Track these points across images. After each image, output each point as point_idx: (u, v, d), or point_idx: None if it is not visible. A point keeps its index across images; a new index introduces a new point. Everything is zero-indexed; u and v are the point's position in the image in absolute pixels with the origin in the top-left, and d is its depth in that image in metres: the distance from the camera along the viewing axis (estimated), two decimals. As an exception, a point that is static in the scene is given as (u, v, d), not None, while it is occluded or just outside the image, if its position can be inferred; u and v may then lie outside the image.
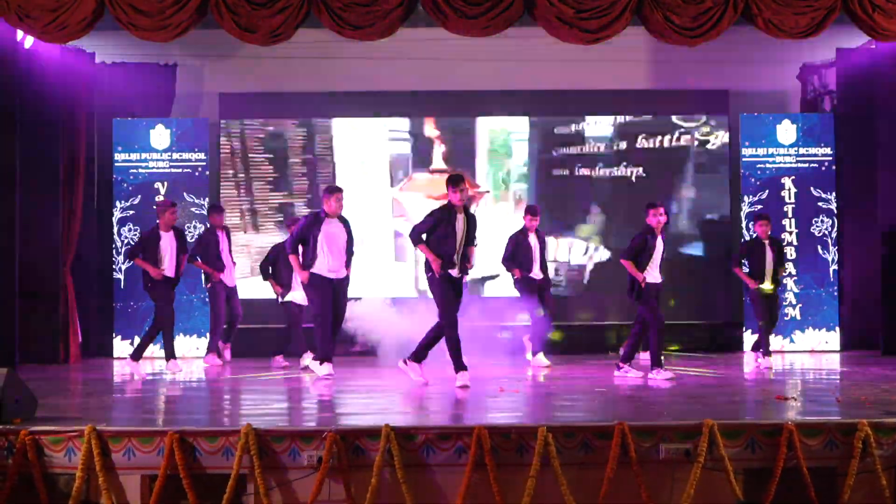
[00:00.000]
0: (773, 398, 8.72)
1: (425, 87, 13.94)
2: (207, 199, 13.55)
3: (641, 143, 14.05)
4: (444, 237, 9.59)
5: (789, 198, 13.61)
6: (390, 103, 14.08)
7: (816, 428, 7.05)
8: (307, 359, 11.64)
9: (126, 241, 13.42)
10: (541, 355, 11.82)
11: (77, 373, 11.58)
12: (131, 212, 13.50)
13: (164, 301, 11.16)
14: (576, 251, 13.95)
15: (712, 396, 8.94)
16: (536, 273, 11.94)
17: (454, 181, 9.64)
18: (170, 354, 11.27)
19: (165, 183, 13.56)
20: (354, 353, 12.84)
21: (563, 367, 11.60)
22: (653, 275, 10.35)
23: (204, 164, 13.61)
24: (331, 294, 10.25)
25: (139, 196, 13.51)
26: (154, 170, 13.59)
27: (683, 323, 13.55)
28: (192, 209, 13.51)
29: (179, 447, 6.84)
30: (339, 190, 10.53)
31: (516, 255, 11.99)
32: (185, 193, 13.51)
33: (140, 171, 13.58)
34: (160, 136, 13.59)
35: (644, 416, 7.70)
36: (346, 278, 10.44)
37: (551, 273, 12.64)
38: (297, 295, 11.70)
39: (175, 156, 13.60)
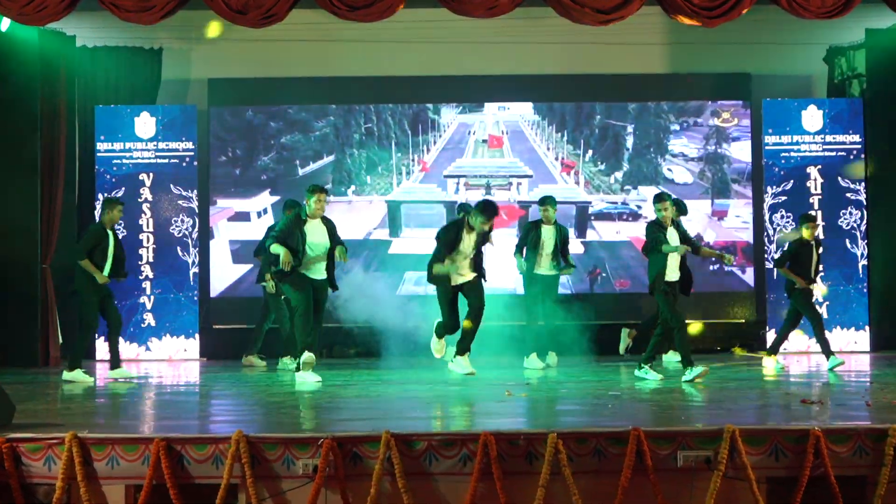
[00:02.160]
0: (798, 402, 8.70)
1: (429, 71, 13.96)
2: (196, 192, 13.54)
3: (658, 129, 14.04)
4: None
5: (815, 188, 13.58)
6: (392, 89, 14.08)
7: (845, 434, 7.03)
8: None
9: (109, 236, 13.42)
10: (534, 356, 11.89)
11: (57, 376, 11.57)
12: (115, 205, 13.48)
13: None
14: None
15: (734, 400, 8.93)
16: (544, 269, 11.97)
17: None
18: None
19: (151, 174, 13.56)
20: (351, 354, 12.87)
21: (574, 369, 11.60)
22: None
23: (192, 153, 13.60)
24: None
25: (123, 188, 13.50)
26: (139, 160, 13.59)
27: (703, 322, 13.55)
28: (180, 202, 13.51)
29: (166, 455, 6.83)
30: (320, 190, 10.50)
31: (527, 245, 12.02)
32: (171, 185, 13.51)
33: (124, 161, 13.58)
34: (145, 124, 13.58)
35: (661, 422, 7.69)
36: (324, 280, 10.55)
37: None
38: None
39: (161, 145, 13.59)
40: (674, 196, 13.21)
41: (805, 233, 11.53)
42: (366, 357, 13.03)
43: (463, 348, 10.72)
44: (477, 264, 10.82)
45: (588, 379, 10.83)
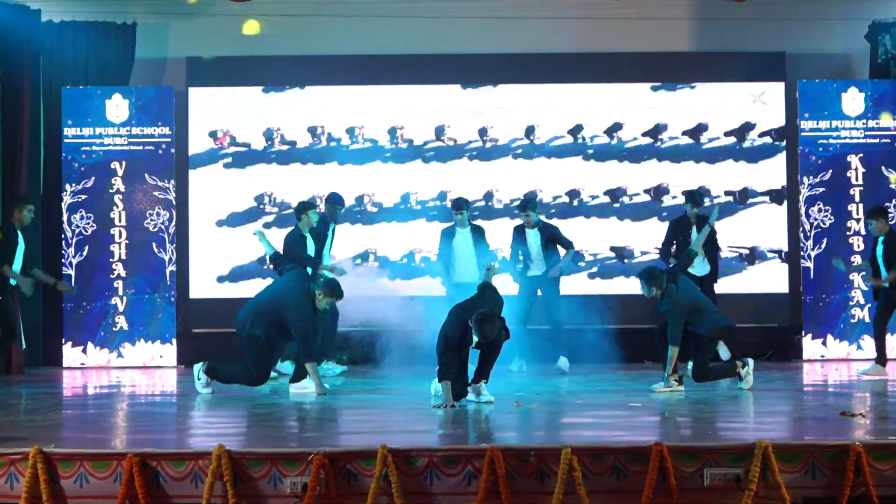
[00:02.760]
0: (837, 414, 8.69)
1: (428, 49, 13.95)
2: (173, 182, 13.53)
3: (683, 114, 14.01)
4: None
5: (856, 178, 13.56)
6: (386, 68, 14.05)
7: (889, 450, 7.02)
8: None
9: (78, 230, 13.42)
10: (517, 360, 12.31)
11: (21, 385, 11.58)
12: (83, 196, 13.49)
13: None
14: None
15: (766, 413, 8.92)
16: (535, 271, 12.39)
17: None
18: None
19: (124, 162, 13.54)
20: (345, 361, 12.87)
21: (590, 379, 11.59)
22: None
23: (169, 140, 13.59)
24: None
25: (93, 178, 13.50)
26: (110, 147, 13.58)
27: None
28: (156, 193, 13.49)
29: (140, 472, 6.83)
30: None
31: (515, 250, 12.56)
32: (146, 175, 13.49)
33: (94, 148, 13.57)
34: (117, 107, 13.58)
35: (686, 436, 7.68)
36: None
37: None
38: None
39: (135, 130, 13.58)
40: (685, 189, 13.39)
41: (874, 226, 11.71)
42: (361, 364, 13.02)
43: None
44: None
45: (606, 388, 10.83)
